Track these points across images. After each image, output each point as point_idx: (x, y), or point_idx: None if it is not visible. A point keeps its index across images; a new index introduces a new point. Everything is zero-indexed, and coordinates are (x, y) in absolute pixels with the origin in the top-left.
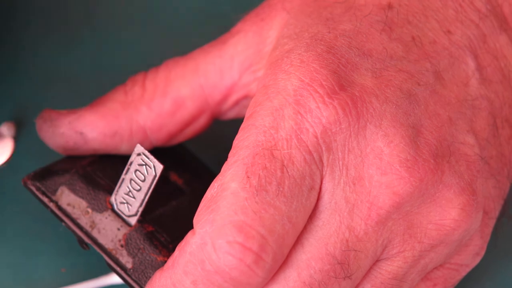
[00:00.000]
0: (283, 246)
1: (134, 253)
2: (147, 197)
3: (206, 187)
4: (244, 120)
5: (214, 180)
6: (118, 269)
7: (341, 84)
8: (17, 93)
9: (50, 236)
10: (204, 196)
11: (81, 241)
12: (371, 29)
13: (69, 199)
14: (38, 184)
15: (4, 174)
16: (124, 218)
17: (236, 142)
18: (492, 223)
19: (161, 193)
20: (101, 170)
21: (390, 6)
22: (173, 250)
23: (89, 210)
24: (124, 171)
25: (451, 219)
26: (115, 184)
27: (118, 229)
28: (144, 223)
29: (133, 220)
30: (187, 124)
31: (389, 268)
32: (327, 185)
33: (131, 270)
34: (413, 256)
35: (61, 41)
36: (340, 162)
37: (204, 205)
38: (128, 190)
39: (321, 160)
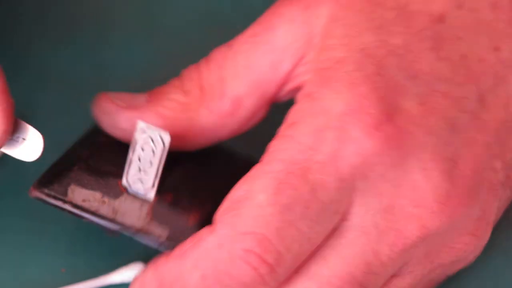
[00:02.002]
0: (298, 261)
1: (164, 224)
2: (160, 169)
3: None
4: (285, 127)
5: (242, 180)
6: (155, 243)
7: (388, 112)
8: (15, 93)
9: (50, 236)
10: (230, 195)
11: (109, 230)
12: (421, 46)
13: (82, 195)
14: (46, 190)
15: (3, 174)
16: (142, 196)
17: (272, 149)
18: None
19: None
20: (103, 159)
21: (442, 18)
22: (197, 209)
23: (105, 199)
24: (131, 152)
25: (463, 243)
26: (122, 168)
27: (140, 207)
28: (162, 193)
29: (151, 195)
30: (248, 120)
31: (399, 284)
32: (357, 209)
33: (168, 239)
34: (423, 274)
35: (59, 41)
36: (374, 191)
37: (228, 206)
38: (138, 168)
39: (353, 187)
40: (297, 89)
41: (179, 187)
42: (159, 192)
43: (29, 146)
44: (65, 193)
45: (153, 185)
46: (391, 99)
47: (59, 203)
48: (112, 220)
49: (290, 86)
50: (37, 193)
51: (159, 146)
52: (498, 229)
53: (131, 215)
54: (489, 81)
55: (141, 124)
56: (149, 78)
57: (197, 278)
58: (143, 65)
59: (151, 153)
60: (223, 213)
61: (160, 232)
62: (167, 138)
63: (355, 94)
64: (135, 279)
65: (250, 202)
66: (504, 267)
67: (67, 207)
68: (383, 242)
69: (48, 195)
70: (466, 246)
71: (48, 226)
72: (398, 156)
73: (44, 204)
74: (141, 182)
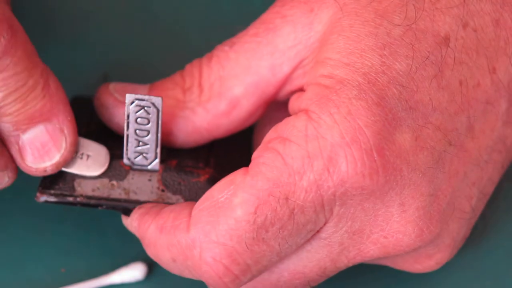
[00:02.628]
0: (263, 271)
1: (178, 189)
2: (159, 135)
3: None
4: (277, 140)
5: (227, 182)
6: None
7: (380, 146)
8: None
9: (50, 236)
10: (212, 192)
11: (126, 211)
12: (423, 74)
13: (90, 186)
14: (53, 191)
15: None
16: (148, 168)
17: (261, 161)
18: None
19: None
20: None
21: (447, 40)
22: (203, 167)
23: (114, 182)
24: (125, 127)
25: (423, 265)
26: (119, 148)
27: (150, 180)
28: (167, 161)
29: (156, 165)
30: (244, 120)
31: None
32: (328, 228)
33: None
34: None
35: (59, 40)
36: (349, 215)
37: (207, 205)
38: (137, 142)
39: (331, 211)
40: (295, 90)
41: (180, 153)
42: (163, 161)
43: (95, 161)
44: (72, 189)
45: (156, 155)
46: (386, 132)
47: (70, 199)
48: (126, 201)
49: (288, 87)
50: (44, 197)
51: (153, 112)
52: (499, 228)
53: (143, 190)
54: (480, 107)
55: (129, 96)
56: (149, 78)
57: (168, 258)
58: (143, 65)
59: (146, 122)
60: (201, 212)
61: (176, 199)
62: (159, 102)
63: (352, 127)
64: (129, 217)
65: (228, 213)
66: (504, 267)
67: (80, 200)
68: (343, 255)
69: (57, 195)
70: (424, 268)
71: (48, 226)
72: (380, 191)
73: (47, 205)
74: (143, 155)
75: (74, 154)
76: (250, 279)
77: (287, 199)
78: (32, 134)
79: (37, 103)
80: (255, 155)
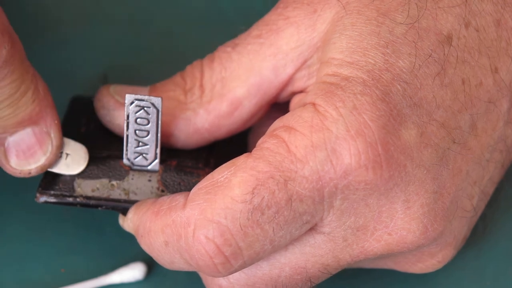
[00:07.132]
0: (255, 259)
1: (178, 190)
2: (159, 136)
3: None
4: (283, 128)
5: (228, 164)
6: None
7: (386, 140)
8: None
9: (50, 236)
10: (211, 174)
11: (126, 211)
12: (427, 71)
13: (90, 186)
14: (52, 192)
15: (3, 175)
16: (148, 168)
17: (265, 145)
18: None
19: None
20: (97, 146)
21: (449, 39)
22: (203, 167)
23: (113, 183)
24: (125, 128)
25: (425, 264)
26: (119, 149)
27: (149, 180)
28: (167, 161)
29: (156, 165)
30: (246, 121)
31: None
32: (331, 220)
33: None
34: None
35: (58, 41)
36: (352, 210)
37: (206, 185)
38: (137, 142)
39: (331, 204)
40: (298, 92)
41: (180, 153)
42: (163, 161)
43: (74, 160)
44: (72, 189)
45: (156, 156)
46: (391, 127)
47: (70, 200)
48: (126, 201)
49: (290, 88)
50: (44, 198)
51: (153, 112)
52: (499, 228)
53: (143, 190)
54: (483, 106)
55: (129, 97)
56: (149, 78)
57: (161, 242)
58: (143, 65)
59: (146, 122)
60: (199, 190)
61: None
62: (158, 102)
63: (357, 121)
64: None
65: (226, 192)
66: (504, 266)
67: (80, 200)
68: (347, 253)
69: (56, 196)
70: (427, 267)
71: (48, 226)
72: (385, 187)
73: (47, 205)
74: (143, 155)
75: (58, 156)
76: (241, 266)
77: (286, 184)
78: (19, 136)
79: (27, 107)
80: (259, 141)
